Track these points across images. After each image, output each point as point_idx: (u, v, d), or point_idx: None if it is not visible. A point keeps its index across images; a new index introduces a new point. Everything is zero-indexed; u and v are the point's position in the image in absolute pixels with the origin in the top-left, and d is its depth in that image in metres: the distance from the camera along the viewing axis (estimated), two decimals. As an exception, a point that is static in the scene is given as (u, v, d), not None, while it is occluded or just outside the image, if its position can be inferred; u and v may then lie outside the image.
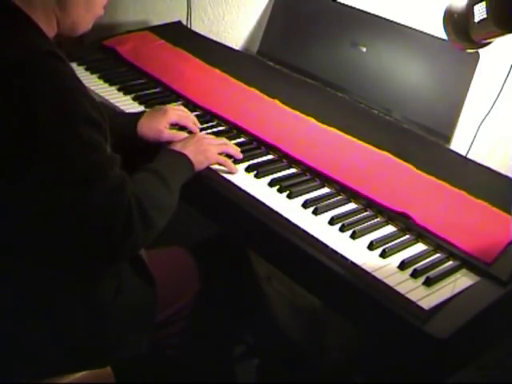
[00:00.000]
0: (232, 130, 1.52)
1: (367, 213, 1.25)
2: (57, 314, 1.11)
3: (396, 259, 1.12)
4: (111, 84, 1.72)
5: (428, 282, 1.06)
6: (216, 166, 1.33)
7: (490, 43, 1.09)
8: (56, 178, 0.97)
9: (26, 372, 1.11)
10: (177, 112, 1.45)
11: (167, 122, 1.42)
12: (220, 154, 1.34)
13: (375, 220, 1.23)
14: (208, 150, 1.30)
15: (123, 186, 1.02)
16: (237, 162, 1.37)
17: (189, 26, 2.19)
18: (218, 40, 2.06)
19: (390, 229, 1.21)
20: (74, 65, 1.82)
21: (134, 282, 1.22)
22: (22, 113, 0.95)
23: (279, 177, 1.34)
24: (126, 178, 1.04)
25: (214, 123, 1.55)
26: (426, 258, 1.14)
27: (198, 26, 2.19)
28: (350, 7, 1.73)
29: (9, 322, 1.09)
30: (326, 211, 1.24)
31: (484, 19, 1.01)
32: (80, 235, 1.00)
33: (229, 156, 1.37)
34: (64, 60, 1.01)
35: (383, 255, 1.13)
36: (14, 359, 1.10)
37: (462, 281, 1.09)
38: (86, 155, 0.99)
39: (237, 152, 1.37)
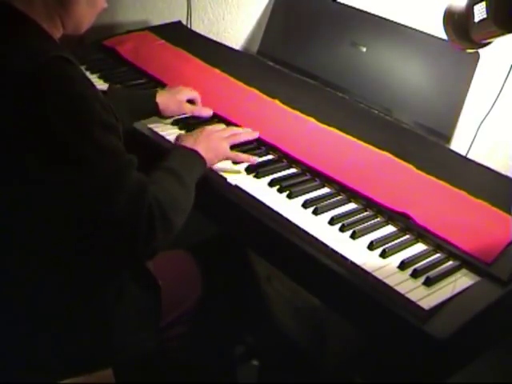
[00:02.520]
0: (232, 130, 1.52)
1: (367, 213, 1.25)
2: (58, 319, 1.10)
3: (396, 259, 1.12)
4: (111, 84, 1.72)
5: (428, 282, 1.06)
6: (216, 167, 1.32)
7: (490, 43, 1.09)
8: (76, 187, 0.96)
9: (27, 377, 1.10)
10: (191, 91, 1.57)
11: (185, 96, 1.52)
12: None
13: (375, 220, 1.23)
14: (219, 146, 1.31)
15: (143, 190, 1.01)
16: (238, 162, 1.37)
17: (189, 26, 2.19)
18: (218, 40, 2.06)
19: (389, 229, 1.21)
20: (74, 65, 1.82)
21: (137, 288, 1.21)
22: (35, 123, 0.94)
23: (279, 177, 1.34)
24: (145, 181, 1.03)
25: (213, 123, 1.54)
26: (426, 258, 1.14)
27: (198, 26, 2.19)
28: (350, 7, 1.73)
29: (10, 326, 1.08)
30: (326, 211, 1.23)
31: (484, 19, 1.01)
32: (102, 242, 1.00)
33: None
34: (73, 62, 0.99)
35: (383, 255, 1.13)
36: (14, 364, 1.10)
37: (462, 281, 1.09)
38: (105, 162, 0.98)
39: (249, 134, 1.41)
